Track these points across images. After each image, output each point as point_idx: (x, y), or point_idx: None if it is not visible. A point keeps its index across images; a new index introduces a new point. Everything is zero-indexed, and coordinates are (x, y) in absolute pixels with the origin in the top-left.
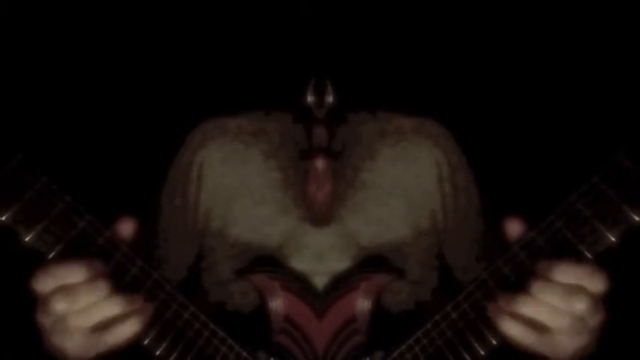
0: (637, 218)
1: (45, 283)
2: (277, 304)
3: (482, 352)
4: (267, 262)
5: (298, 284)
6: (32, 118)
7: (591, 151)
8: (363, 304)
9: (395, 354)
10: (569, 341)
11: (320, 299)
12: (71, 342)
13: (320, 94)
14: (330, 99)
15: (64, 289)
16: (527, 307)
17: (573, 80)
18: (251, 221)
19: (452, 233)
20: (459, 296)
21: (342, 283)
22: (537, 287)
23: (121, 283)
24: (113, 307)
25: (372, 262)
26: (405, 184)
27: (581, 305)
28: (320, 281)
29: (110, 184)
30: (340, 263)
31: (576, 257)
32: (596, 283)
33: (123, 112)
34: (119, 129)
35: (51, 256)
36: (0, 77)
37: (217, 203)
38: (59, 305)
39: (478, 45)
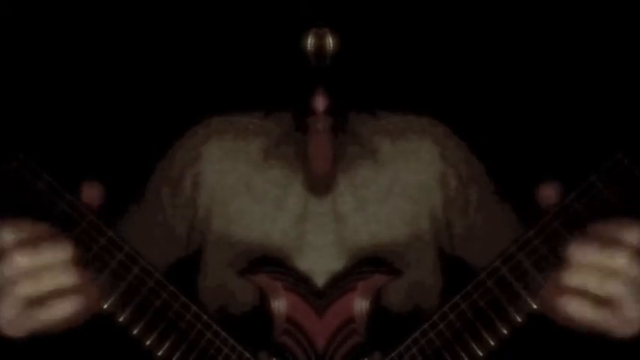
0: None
1: (7, 233)
2: (280, 304)
3: (481, 353)
4: (269, 262)
5: (300, 284)
6: (33, 117)
7: (589, 149)
8: (360, 304)
9: (393, 354)
10: (632, 309)
11: (320, 298)
12: (6, 312)
13: (320, 41)
14: (330, 46)
15: (28, 243)
16: (574, 276)
17: (572, 78)
18: (250, 219)
19: (466, 229)
20: (457, 297)
21: (339, 283)
22: (572, 251)
23: (122, 283)
24: (69, 275)
25: (370, 263)
26: (404, 181)
27: (621, 258)
28: (320, 280)
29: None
30: (340, 262)
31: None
32: (632, 233)
33: (123, 113)
34: (119, 129)
35: None
36: (0, 77)
37: (217, 202)
38: (22, 260)
39: (477, 43)
